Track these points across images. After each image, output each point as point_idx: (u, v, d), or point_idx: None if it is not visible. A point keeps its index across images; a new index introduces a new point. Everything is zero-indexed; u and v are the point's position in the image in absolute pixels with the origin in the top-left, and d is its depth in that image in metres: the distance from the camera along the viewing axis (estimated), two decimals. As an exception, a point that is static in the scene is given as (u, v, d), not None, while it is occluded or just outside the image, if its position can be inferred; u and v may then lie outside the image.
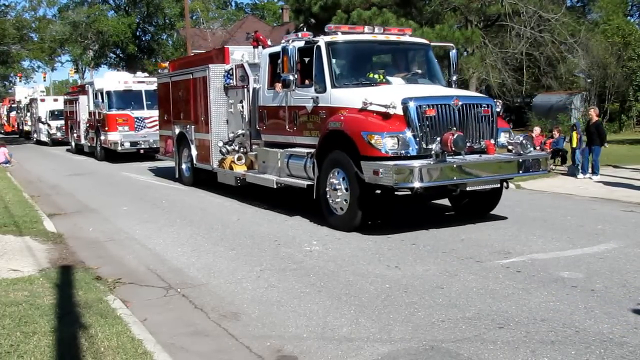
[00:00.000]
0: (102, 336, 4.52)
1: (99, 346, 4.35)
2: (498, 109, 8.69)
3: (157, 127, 16.96)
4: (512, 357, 4.24)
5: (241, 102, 11.56)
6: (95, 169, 18.92)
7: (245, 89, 11.42)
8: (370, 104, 8.08)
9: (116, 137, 20.41)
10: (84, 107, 23.81)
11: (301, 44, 9.37)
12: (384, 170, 7.51)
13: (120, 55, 50.56)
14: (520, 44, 25.32)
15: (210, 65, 12.41)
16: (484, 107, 8.43)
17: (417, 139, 7.86)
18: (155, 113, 17.74)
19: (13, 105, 45.97)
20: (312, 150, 9.04)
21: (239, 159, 11.49)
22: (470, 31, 22.79)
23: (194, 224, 9.40)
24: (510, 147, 8.59)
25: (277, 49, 9.91)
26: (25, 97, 40.69)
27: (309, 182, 9.09)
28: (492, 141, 8.37)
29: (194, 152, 13.30)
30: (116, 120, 20.51)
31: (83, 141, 24.42)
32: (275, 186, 9.93)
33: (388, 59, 10.32)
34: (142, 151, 20.49)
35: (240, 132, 11.70)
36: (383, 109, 7.95)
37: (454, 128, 7.88)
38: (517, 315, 5.04)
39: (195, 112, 13.10)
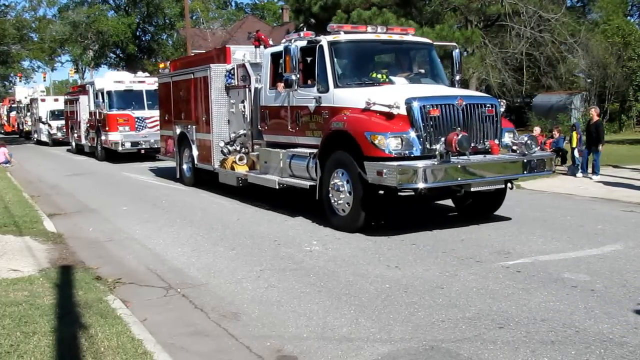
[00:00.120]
0: (102, 336, 4.52)
1: (99, 346, 4.35)
2: (502, 109, 8.64)
3: (158, 127, 16.93)
4: (512, 357, 4.24)
5: (243, 102, 11.51)
6: (96, 169, 18.91)
7: (247, 89, 11.37)
8: (374, 104, 8.03)
9: (117, 137, 20.37)
10: (85, 107, 23.76)
11: (303, 43, 9.32)
12: (388, 171, 7.45)
13: (120, 55, 50.55)
14: (520, 44, 25.31)
15: (211, 65, 12.37)
16: (488, 107, 8.37)
17: (421, 140, 7.80)
18: (156, 113, 17.69)
19: (13, 105, 45.94)
20: (315, 151, 8.98)
21: (241, 159, 11.43)
22: (470, 31, 22.80)
23: (194, 224, 9.40)
24: (514, 148, 8.52)
25: (279, 48, 9.86)
26: (26, 97, 40.68)
27: (312, 183, 9.04)
28: (497, 141, 8.33)
29: (195, 153, 13.26)
30: (117, 120, 20.46)
31: (83, 141, 24.39)
32: (277, 187, 9.87)
33: (391, 58, 10.25)
34: (142, 151, 20.45)
35: (241, 132, 11.66)
36: (386, 109, 7.91)
37: (459, 128, 7.83)
38: (517, 315, 5.04)
39: (197, 112, 13.06)
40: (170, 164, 15.67)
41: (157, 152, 17.46)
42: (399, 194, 8.26)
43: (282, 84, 9.57)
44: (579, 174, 14.07)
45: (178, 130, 14.10)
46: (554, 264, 6.54)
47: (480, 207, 9.16)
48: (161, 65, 16.32)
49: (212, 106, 12.32)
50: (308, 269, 6.67)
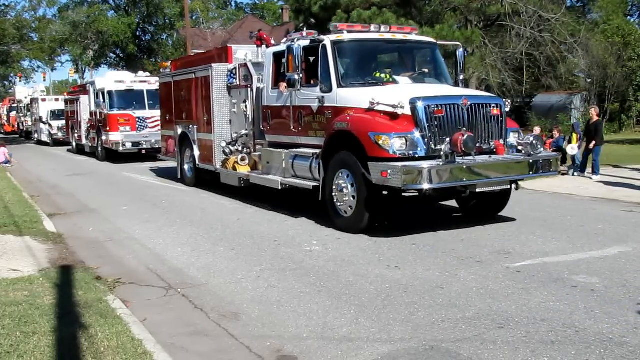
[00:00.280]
0: (102, 336, 4.52)
1: (99, 346, 4.35)
2: (507, 109, 8.57)
3: (159, 127, 16.88)
4: (512, 357, 4.24)
5: (245, 101, 11.45)
6: (96, 169, 18.91)
7: (249, 89, 11.32)
8: (378, 103, 7.97)
9: (118, 137, 20.31)
10: (85, 107, 23.71)
11: (306, 42, 9.27)
12: (392, 172, 7.38)
13: (120, 55, 50.57)
14: (520, 44, 25.30)
15: (213, 65, 12.31)
16: (493, 106, 8.30)
17: (426, 140, 7.73)
18: (157, 113, 17.66)
19: (13, 105, 45.93)
20: (318, 151, 8.91)
21: (243, 159, 11.38)
22: (470, 31, 22.79)
23: (194, 224, 9.40)
24: (519, 148, 8.45)
25: (282, 48, 9.80)
26: (26, 97, 40.66)
27: (315, 184, 8.97)
28: (502, 141, 8.26)
29: (196, 153, 13.20)
30: (118, 120, 20.40)
31: (84, 141, 24.35)
32: (280, 187, 9.81)
33: (394, 58, 10.17)
34: (143, 152, 20.38)
35: (243, 132, 11.61)
36: (391, 109, 7.84)
37: (464, 128, 7.77)
38: (517, 315, 5.04)
39: (198, 112, 13.03)
40: (171, 164, 15.64)
41: (158, 153, 17.43)
42: (403, 194, 8.20)
43: (285, 84, 9.51)
44: (575, 174, 14.08)
45: (179, 131, 14.07)
46: (554, 264, 6.54)
47: (484, 208, 9.10)
48: (162, 65, 16.26)
49: (214, 106, 12.26)
50: (308, 269, 6.67)
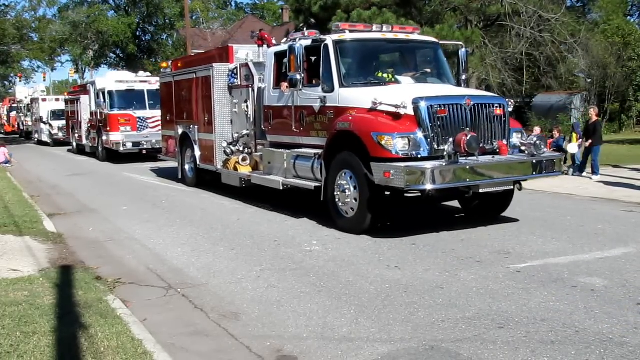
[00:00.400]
0: (102, 336, 4.52)
1: (99, 346, 4.35)
2: (510, 109, 8.52)
3: (160, 127, 16.85)
4: (512, 357, 4.24)
5: (246, 101, 11.41)
6: (96, 169, 18.91)
7: (250, 89, 11.27)
8: (380, 103, 7.93)
9: (118, 137, 20.26)
10: (86, 107, 23.69)
11: (308, 42, 9.23)
12: (395, 172, 7.33)
13: (120, 55, 50.58)
14: (520, 44, 25.29)
15: (214, 65, 12.27)
16: (497, 106, 8.25)
17: (429, 140, 7.68)
18: (157, 113, 17.60)
19: (13, 105, 45.91)
20: (320, 151, 8.87)
21: (244, 159, 11.33)
22: (470, 31, 22.78)
23: (194, 224, 9.40)
24: (523, 148, 8.40)
25: (284, 47, 9.77)
26: (26, 97, 40.64)
27: (317, 184, 8.92)
28: (505, 142, 8.22)
29: (197, 153, 13.16)
30: (118, 120, 20.36)
31: (85, 141, 24.31)
32: (281, 188, 9.77)
33: (396, 58, 10.11)
34: (144, 152, 20.33)
35: (244, 132, 11.57)
36: (393, 109, 7.81)
37: (467, 129, 7.72)
38: (517, 315, 5.04)
39: (199, 112, 12.99)
40: (172, 164, 15.63)
41: (159, 153, 17.39)
42: (405, 195, 8.16)
43: (286, 84, 9.49)
44: (575, 174, 14.08)
45: (180, 131, 14.03)
46: (554, 264, 6.53)
47: (487, 209, 9.04)
48: (163, 65, 16.19)
49: (215, 106, 12.22)
50: (308, 269, 6.67)
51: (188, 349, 4.64)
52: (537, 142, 8.28)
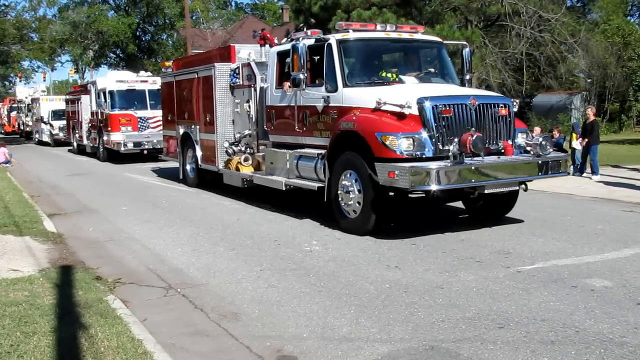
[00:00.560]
0: (102, 336, 4.52)
1: (99, 346, 4.35)
2: (515, 109, 8.47)
3: (161, 128, 16.79)
4: (512, 357, 4.24)
5: (248, 101, 11.35)
6: (97, 170, 18.90)
7: (252, 88, 11.23)
8: (384, 103, 7.86)
9: (119, 137, 20.18)
10: (86, 106, 23.63)
11: (311, 42, 9.17)
12: (400, 172, 7.26)
13: (120, 55, 50.60)
14: (520, 44, 25.29)
15: (216, 64, 12.21)
16: (501, 106, 8.19)
17: (433, 140, 7.61)
18: (159, 113, 17.50)
19: (13, 105, 45.90)
20: (323, 152, 8.81)
21: (246, 160, 11.27)
22: (470, 31, 22.79)
23: (194, 224, 9.40)
24: (528, 148, 8.33)
25: (286, 47, 9.72)
26: (26, 97, 40.61)
27: (320, 184, 8.86)
28: (510, 142, 8.16)
29: (198, 153, 13.11)
30: (119, 121, 20.28)
31: (85, 142, 24.27)
32: (284, 188, 9.72)
33: (400, 57, 10.04)
34: (145, 152, 20.27)
35: (246, 132, 11.52)
36: (398, 109, 7.75)
37: (473, 129, 7.67)
38: (517, 315, 5.04)
39: (200, 112, 12.95)
40: (173, 164, 15.62)
41: (160, 153, 17.36)
42: (410, 195, 8.10)
43: (289, 84, 9.44)
44: (575, 174, 14.09)
45: (181, 131, 13.99)
46: (554, 264, 6.53)
47: (491, 209, 8.98)
48: (164, 64, 16.12)
49: (217, 106, 12.17)
50: (308, 269, 6.67)
51: (188, 349, 4.64)
52: (543, 142, 8.20)
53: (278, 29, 39.36)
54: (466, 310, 5.18)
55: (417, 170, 7.23)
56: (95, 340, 4.44)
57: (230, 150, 11.75)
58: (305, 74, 9.03)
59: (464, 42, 10.84)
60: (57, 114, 31.39)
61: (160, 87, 16.71)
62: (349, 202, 8.26)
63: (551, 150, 8.38)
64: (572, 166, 14.70)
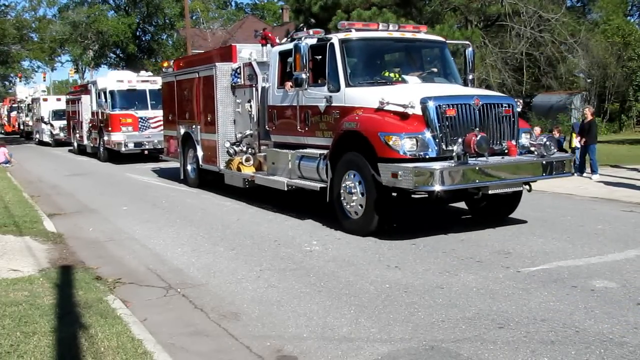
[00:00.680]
0: (102, 336, 4.52)
1: (99, 346, 4.35)
2: (519, 109, 8.42)
3: (162, 128, 16.74)
4: (512, 357, 4.24)
5: (249, 101, 11.32)
6: (97, 170, 18.90)
7: (254, 88, 11.18)
8: (387, 103, 7.82)
9: (120, 137, 20.13)
10: (87, 106, 23.59)
11: (314, 41, 9.13)
12: (403, 173, 7.20)
13: (120, 55, 50.59)
14: (520, 44, 25.32)
15: (217, 64, 12.18)
16: (505, 107, 8.15)
17: (437, 140, 7.56)
18: (159, 113, 17.43)
19: (14, 105, 45.89)
20: (325, 152, 8.76)
21: (247, 160, 11.22)
22: (470, 31, 22.80)
23: (194, 224, 9.40)
24: (532, 149, 8.28)
25: (288, 46, 9.68)
26: (27, 97, 40.60)
27: (322, 185, 8.81)
28: (514, 142, 8.13)
29: (199, 153, 13.07)
30: (120, 121, 20.23)
31: (86, 142, 24.21)
32: (286, 188, 9.67)
33: (403, 57, 9.97)
34: (146, 152, 20.22)
35: (248, 132, 11.47)
36: (401, 109, 7.70)
37: (477, 129, 7.63)
38: (517, 315, 5.04)
39: (201, 112, 12.91)
40: (174, 165, 15.60)
41: (161, 153, 17.32)
42: (413, 196, 8.07)
43: (291, 83, 9.41)
44: (575, 174, 14.10)
45: (182, 131, 13.94)
46: (554, 264, 6.53)
47: (495, 210, 8.94)
48: (164, 64, 16.07)
49: (218, 106, 12.13)
50: (308, 269, 6.67)
51: (188, 349, 4.64)
52: (547, 142, 8.15)
53: (278, 29, 39.36)
54: (466, 310, 5.18)
55: (420, 171, 7.18)
56: (95, 340, 4.44)
57: (231, 151, 11.70)
58: (308, 74, 8.98)
59: (467, 42, 10.78)
60: (57, 114, 31.34)
61: (161, 87, 16.67)
62: (352, 203, 8.22)
63: (555, 150, 8.34)
64: (573, 166, 14.73)
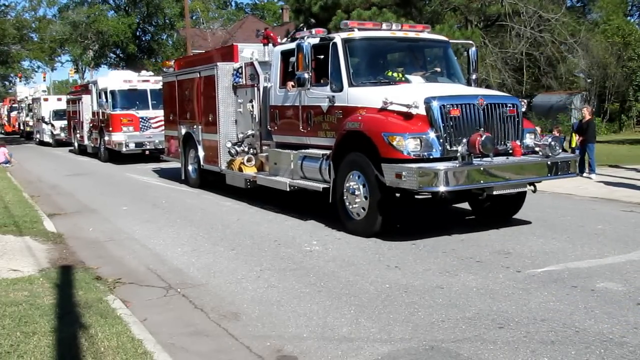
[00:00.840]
0: (102, 336, 4.53)
1: (99, 346, 4.35)
2: (523, 109, 8.38)
3: (163, 128, 16.69)
4: (512, 357, 4.24)
5: (251, 101, 11.26)
6: (97, 170, 18.89)
7: (255, 88, 11.13)
8: (391, 103, 7.77)
9: (120, 137, 20.08)
10: (87, 106, 23.54)
11: (316, 41, 9.08)
12: (407, 173, 7.14)
13: (121, 55, 50.56)
14: (520, 44, 25.32)
15: (218, 64, 12.15)
16: (510, 106, 8.10)
17: (441, 140, 7.50)
18: (160, 113, 17.39)
19: (14, 105, 45.88)
20: (328, 152, 8.71)
21: (249, 160, 11.18)
22: (470, 31, 22.81)
23: (194, 224, 9.40)
24: (537, 149, 8.22)
25: (291, 46, 9.63)
26: (27, 97, 40.59)
27: (325, 185, 8.76)
28: (518, 142, 8.07)
29: (201, 153, 13.02)
30: (120, 121, 20.16)
31: (86, 142, 24.16)
32: (288, 189, 9.63)
33: (406, 56, 9.91)
34: (147, 152, 20.17)
35: (249, 132, 11.42)
36: (404, 109, 7.65)
37: (481, 129, 7.57)
38: (517, 315, 5.04)
39: (203, 112, 12.87)
40: (174, 165, 15.58)
41: (162, 153, 17.28)
42: (416, 197, 8.02)
43: (293, 83, 9.38)
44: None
45: (183, 131, 13.90)
46: (554, 264, 6.53)
47: (499, 210, 8.90)
48: (167, 64, 16.01)
49: (219, 106, 12.08)
50: (308, 269, 6.67)
51: (188, 349, 4.64)
52: (552, 142, 8.10)
53: (278, 29, 39.36)
54: (466, 310, 5.18)
55: (424, 171, 7.13)
56: (95, 340, 4.44)
57: (233, 151, 11.63)
58: (310, 74, 8.93)
59: (470, 42, 10.70)
60: (58, 114, 31.27)
61: (161, 87, 16.64)
62: (355, 204, 8.16)
63: (560, 150, 8.29)
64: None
